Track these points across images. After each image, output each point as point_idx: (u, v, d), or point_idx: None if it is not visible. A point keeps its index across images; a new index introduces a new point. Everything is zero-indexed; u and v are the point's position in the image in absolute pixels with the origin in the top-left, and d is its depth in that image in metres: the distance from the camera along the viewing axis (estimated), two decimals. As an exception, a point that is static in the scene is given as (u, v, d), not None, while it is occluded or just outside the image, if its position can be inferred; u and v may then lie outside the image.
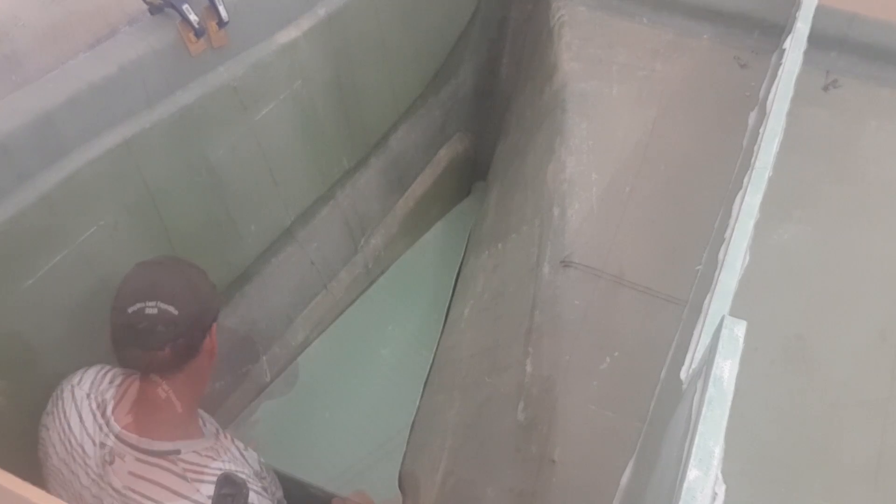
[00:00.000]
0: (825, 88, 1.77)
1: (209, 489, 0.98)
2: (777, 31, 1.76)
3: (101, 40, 1.14)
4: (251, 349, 1.68)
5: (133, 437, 1.01)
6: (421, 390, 1.76)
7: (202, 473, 1.01)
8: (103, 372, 1.11)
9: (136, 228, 1.22)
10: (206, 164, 1.35)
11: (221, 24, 1.26)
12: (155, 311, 0.96)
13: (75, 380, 1.09)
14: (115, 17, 1.16)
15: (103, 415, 1.04)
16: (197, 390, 1.09)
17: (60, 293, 1.11)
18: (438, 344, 1.86)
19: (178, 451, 1.02)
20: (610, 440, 1.26)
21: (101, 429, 1.03)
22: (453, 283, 2.06)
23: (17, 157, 1.01)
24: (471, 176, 2.62)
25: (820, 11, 1.47)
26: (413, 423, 1.69)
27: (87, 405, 1.05)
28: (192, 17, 1.19)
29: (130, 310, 0.96)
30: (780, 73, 1.28)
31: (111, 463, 1.00)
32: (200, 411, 1.14)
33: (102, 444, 1.02)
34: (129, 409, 1.04)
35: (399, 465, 1.60)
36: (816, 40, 1.50)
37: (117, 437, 1.01)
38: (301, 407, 1.67)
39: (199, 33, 1.22)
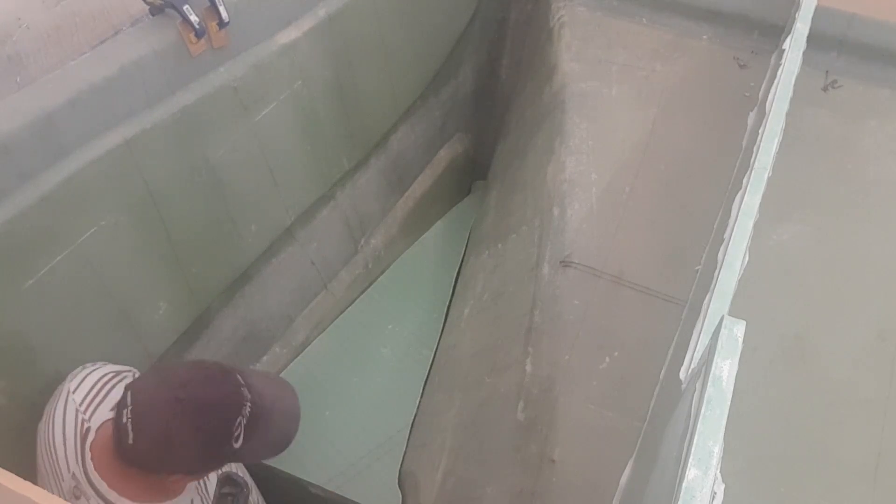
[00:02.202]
0: (825, 89, 1.77)
1: None
2: (776, 32, 1.77)
3: (104, 42, 1.14)
4: (251, 348, 1.68)
5: (102, 485, 0.94)
6: (421, 390, 1.77)
7: None
8: (103, 382, 1.04)
9: (136, 228, 1.22)
10: (207, 164, 1.35)
11: (222, 24, 1.26)
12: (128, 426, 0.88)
13: (74, 383, 1.03)
14: (119, 19, 1.16)
15: (83, 443, 0.97)
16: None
17: (60, 293, 1.11)
18: (438, 343, 1.86)
19: None
20: (610, 440, 1.26)
21: (76, 458, 0.97)
22: (453, 282, 2.06)
23: (17, 157, 1.01)
24: (471, 176, 2.62)
25: (819, 12, 1.47)
26: (413, 422, 1.69)
27: (74, 421, 1.00)
28: (193, 18, 1.19)
29: (122, 420, 0.89)
30: (779, 73, 1.28)
31: (77, 498, 0.95)
32: None
33: (74, 475, 0.96)
34: (106, 453, 0.96)
35: (399, 465, 1.61)
36: (816, 41, 1.50)
37: (86, 475, 0.95)
38: (301, 406, 1.67)
39: (199, 34, 1.22)
